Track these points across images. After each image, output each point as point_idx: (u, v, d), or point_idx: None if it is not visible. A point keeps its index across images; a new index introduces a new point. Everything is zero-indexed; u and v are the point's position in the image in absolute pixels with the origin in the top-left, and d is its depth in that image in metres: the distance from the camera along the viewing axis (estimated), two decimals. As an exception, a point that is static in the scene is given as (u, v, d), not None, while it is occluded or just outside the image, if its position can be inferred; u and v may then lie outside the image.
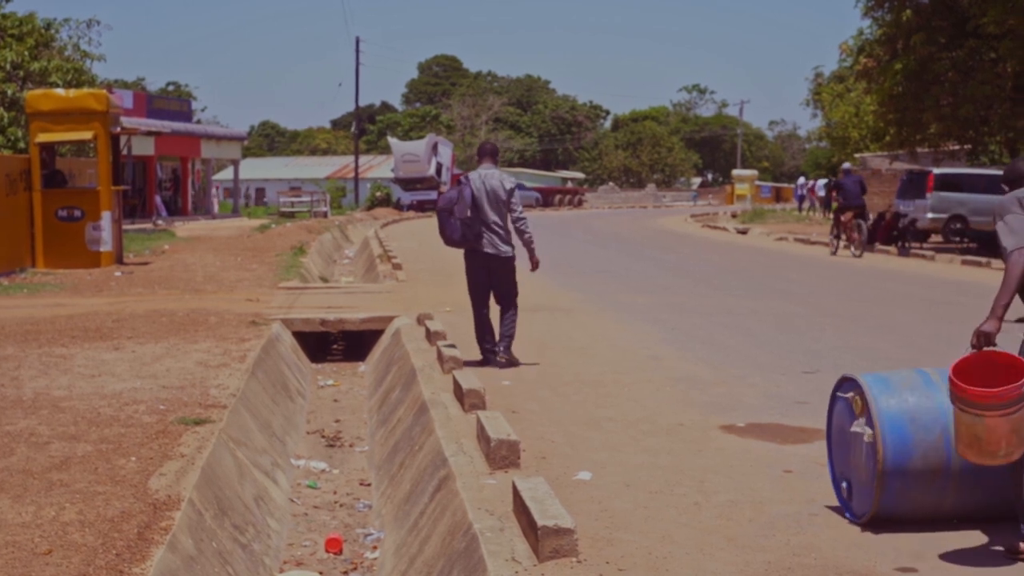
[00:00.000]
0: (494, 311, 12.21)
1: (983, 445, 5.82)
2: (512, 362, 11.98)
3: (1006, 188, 6.59)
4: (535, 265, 12.25)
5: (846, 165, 31.47)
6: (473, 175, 11.97)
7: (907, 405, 6.42)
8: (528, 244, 11.97)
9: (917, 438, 6.34)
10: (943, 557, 5.86)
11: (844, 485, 6.70)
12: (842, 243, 29.87)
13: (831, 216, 32.94)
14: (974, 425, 5.81)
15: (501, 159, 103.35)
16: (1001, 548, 5.98)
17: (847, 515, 6.61)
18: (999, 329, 6.12)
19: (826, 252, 30.57)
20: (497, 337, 12.10)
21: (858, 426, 6.50)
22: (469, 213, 11.69)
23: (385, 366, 13.64)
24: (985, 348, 6.09)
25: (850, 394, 6.65)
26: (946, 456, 6.30)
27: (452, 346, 12.05)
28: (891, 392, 6.48)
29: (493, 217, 11.81)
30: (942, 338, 13.80)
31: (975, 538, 6.18)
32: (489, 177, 11.92)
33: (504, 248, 11.89)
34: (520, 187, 78.09)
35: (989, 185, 31.26)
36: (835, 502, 6.78)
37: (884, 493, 6.32)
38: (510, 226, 11.91)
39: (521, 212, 11.92)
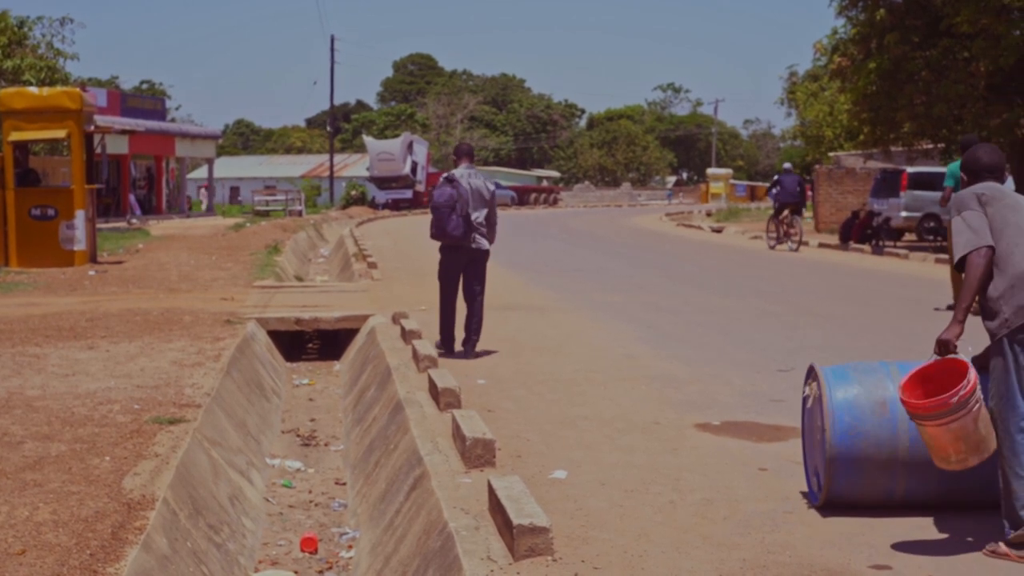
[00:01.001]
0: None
1: (935, 452, 6.00)
2: (474, 353, 12.52)
3: (964, 177, 6.59)
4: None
5: (787, 164, 33.67)
6: (458, 174, 12.33)
7: (860, 395, 6.61)
8: (493, 235, 12.58)
9: (867, 427, 6.53)
10: (916, 551, 5.88)
11: (814, 475, 6.90)
12: (781, 238, 31.21)
13: (806, 215, 33.65)
14: (923, 433, 6.02)
15: (476, 158, 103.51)
16: (971, 539, 6.10)
17: (813, 500, 6.85)
18: (960, 335, 6.11)
19: (803, 251, 30.67)
20: (464, 335, 12.56)
21: (816, 415, 6.81)
22: (468, 211, 12.17)
23: (360, 365, 13.63)
24: (947, 356, 6.11)
25: (811, 384, 6.93)
26: (896, 445, 6.51)
27: (427, 344, 12.05)
28: (847, 383, 6.69)
29: (476, 214, 12.30)
30: (916, 336, 13.85)
31: (950, 527, 6.21)
32: (472, 176, 12.44)
33: (484, 242, 12.44)
34: (496, 186, 78.44)
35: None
36: (812, 500, 6.81)
37: (833, 478, 6.55)
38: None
39: (495, 212, 12.68)
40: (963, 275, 6.17)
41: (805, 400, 7.07)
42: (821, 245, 32.67)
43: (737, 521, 6.44)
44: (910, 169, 31.59)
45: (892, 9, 29.15)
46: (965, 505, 6.58)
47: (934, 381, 6.11)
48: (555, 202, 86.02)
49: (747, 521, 6.43)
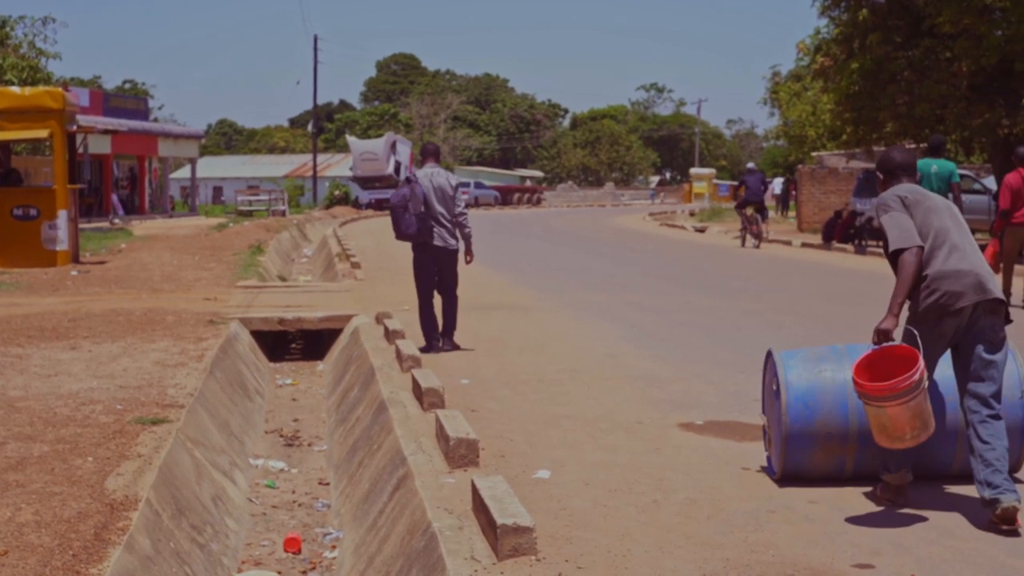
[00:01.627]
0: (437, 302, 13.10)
1: (890, 432, 6.44)
2: (455, 347, 12.95)
3: (880, 176, 7.18)
4: (471, 258, 13.10)
5: (750, 164, 35.61)
6: (420, 173, 12.75)
7: (813, 377, 7.22)
8: (467, 238, 12.84)
9: (819, 406, 7.14)
10: (897, 547, 5.91)
11: (773, 451, 7.48)
12: (748, 235, 32.42)
13: (789, 215, 34.35)
14: (879, 415, 6.44)
15: (460, 158, 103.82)
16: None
17: (771, 474, 7.46)
18: (896, 326, 6.70)
19: (785, 250, 30.75)
20: (441, 329, 13.02)
21: (773, 396, 7.41)
22: (423, 209, 12.48)
23: (344, 365, 13.62)
24: (885, 344, 6.66)
25: (770, 366, 7.54)
26: (846, 423, 7.10)
27: (411, 344, 12.06)
28: (801, 366, 7.30)
29: (441, 211, 12.65)
30: (896, 334, 13.88)
31: (934, 523, 6.24)
32: (436, 175, 12.73)
33: (451, 241, 12.80)
34: (479, 186, 78.65)
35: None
36: (793, 502, 6.83)
37: (789, 453, 7.19)
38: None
39: (464, 208, 12.87)
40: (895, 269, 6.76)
41: (764, 383, 7.70)
42: (804, 245, 32.72)
43: (720, 520, 6.44)
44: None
45: (875, 9, 29.23)
46: (921, 473, 7.06)
47: (877, 367, 6.60)
48: (538, 202, 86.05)
49: (730, 520, 6.44)
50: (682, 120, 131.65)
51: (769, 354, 7.56)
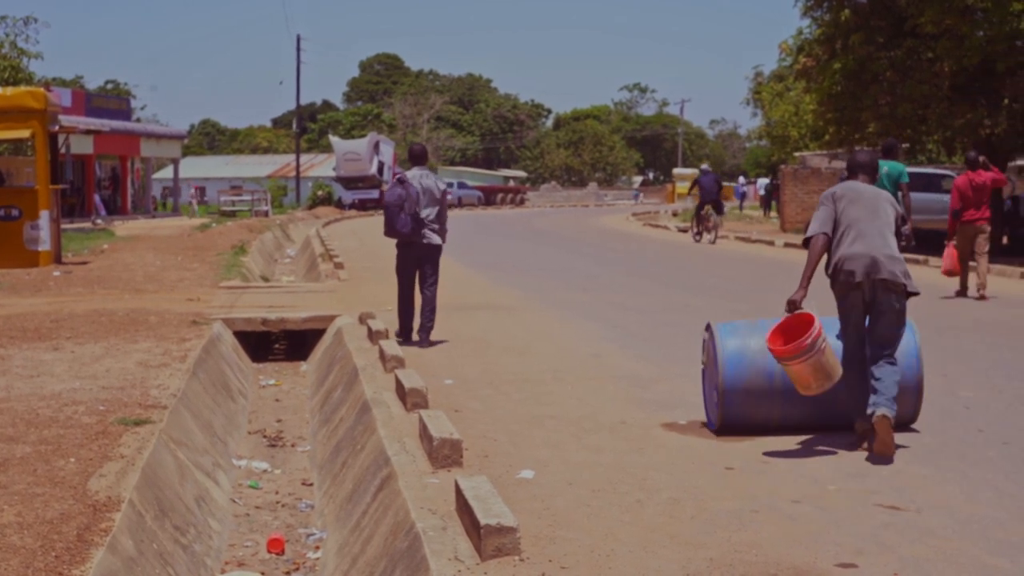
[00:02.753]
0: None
1: (800, 383, 7.96)
2: (428, 342, 13.37)
3: (846, 173, 8.77)
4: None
5: (704, 166, 38.65)
6: (411, 175, 13.17)
7: (744, 344, 8.63)
8: (443, 234, 13.50)
9: (749, 367, 8.55)
10: (880, 547, 5.92)
11: (712, 408, 8.86)
12: (703, 231, 34.95)
13: (772, 215, 35.17)
14: (788, 371, 7.96)
15: (443, 158, 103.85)
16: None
17: (710, 427, 8.85)
18: (804, 297, 8.26)
19: (768, 250, 30.84)
20: (418, 326, 13.48)
21: (712, 361, 8.80)
22: (416, 209, 13.01)
23: (327, 365, 13.61)
24: (794, 312, 8.19)
25: (706, 336, 8.98)
26: (771, 382, 8.49)
27: (394, 345, 12.05)
28: (735, 335, 8.74)
29: (428, 212, 13.19)
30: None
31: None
32: (424, 177, 13.24)
33: (436, 238, 13.34)
34: (462, 186, 78.65)
35: (927, 184, 31.55)
36: (777, 502, 6.84)
37: (725, 407, 8.60)
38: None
39: (446, 210, 13.53)
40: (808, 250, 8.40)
41: (703, 346, 9.09)
42: (787, 245, 32.77)
43: (704, 520, 6.45)
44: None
45: (857, 10, 29.31)
46: (826, 427, 8.62)
47: (790, 332, 8.08)
48: (521, 202, 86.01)
49: (714, 520, 6.45)
50: (665, 120, 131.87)
51: (708, 326, 8.94)
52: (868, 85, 29.29)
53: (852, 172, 8.63)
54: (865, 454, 7.98)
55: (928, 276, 22.47)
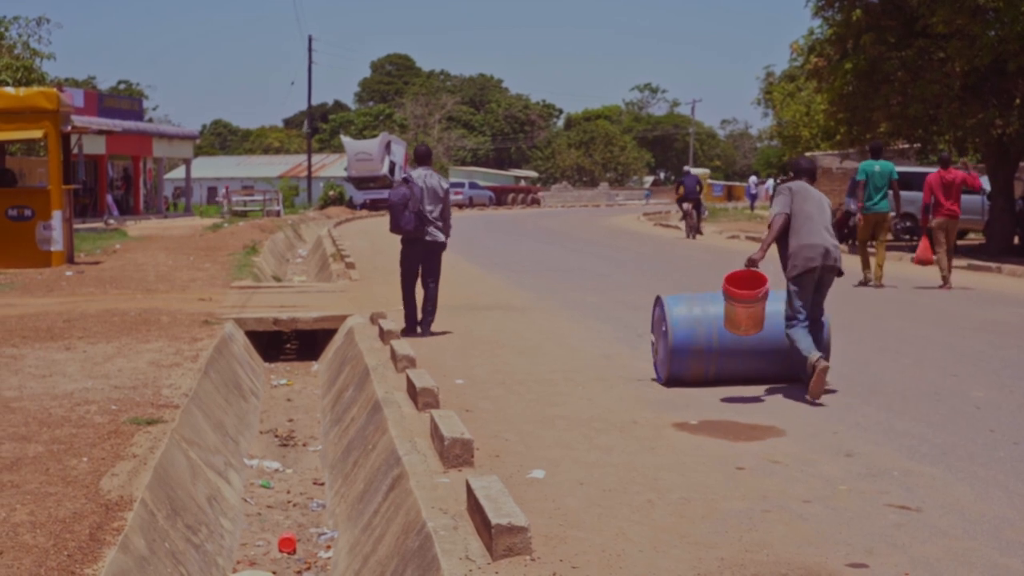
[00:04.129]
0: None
1: (733, 322, 9.88)
2: (429, 333, 14.08)
3: (791, 173, 10.84)
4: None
5: (686, 168, 45.70)
6: (415, 174, 13.90)
7: (690, 312, 10.60)
8: (447, 232, 14.20)
9: (693, 331, 10.48)
10: (891, 547, 5.92)
11: (661, 366, 10.84)
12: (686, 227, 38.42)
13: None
14: (730, 310, 9.85)
15: (454, 158, 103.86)
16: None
17: (659, 380, 10.82)
18: (762, 258, 10.13)
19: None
20: (420, 316, 14.15)
21: (661, 326, 10.78)
22: (420, 207, 13.70)
23: (338, 365, 13.63)
24: (750, 268, 10.06)
25: (659, 307, 10.90)
26: (710, 343, 10.48)
27: (406, 345, 12.07)
28: (681, 304, 10.69)
29: (431, 210, 13.84)
30: (888, 333, 13.93)
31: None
32: (428, 177, 13.91)
33: (439, 236, 13.99)
34: (473, 186, 78.63)
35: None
36: (788, 502, 6.85)
37: (672, 365, 10.59)
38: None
39: (449, 209, 14.23)
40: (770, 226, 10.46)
41: (653, 314, 11.08)
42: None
43: (715, 520, 6.45)
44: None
45: (868, 10, 29.22)
46: (753, 380, 10.66)
47: (739, 282, 9.94)
48: (534, 202, 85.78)
49: (725, 520, 6.45)
50: (676, 120, 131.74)
51: (658, 299, 10.98)
52: (879, 85, 29.21)
53: (798, 175, 10.66)
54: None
55: (936, 275, 22.44)
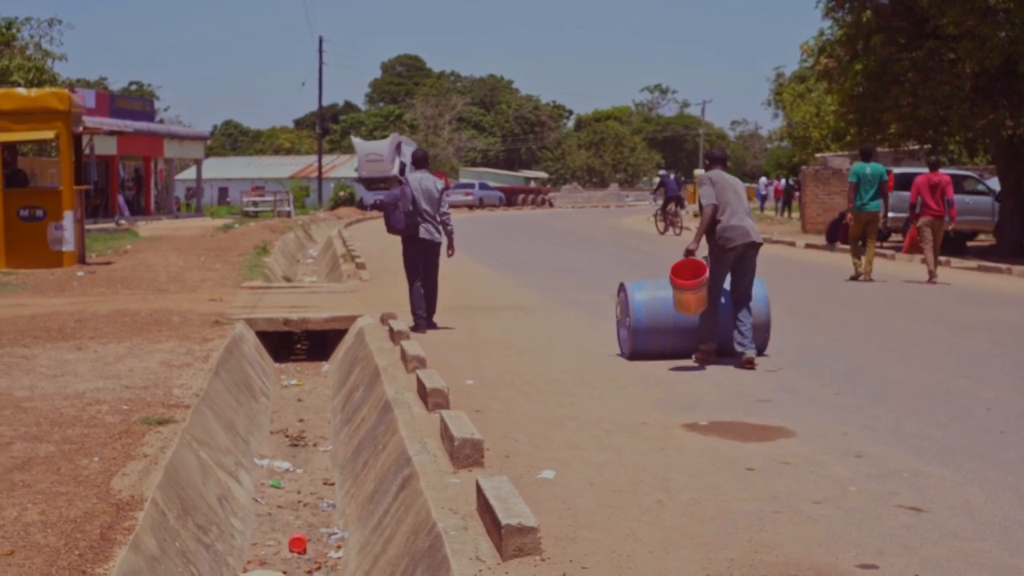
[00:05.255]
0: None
1: (683, 306, 11.39)
2: (433, 326, 14.73)
3: (707, 162, 12.33)
4: (452, 251, 15.04)
5: (662, 170, 50.02)
6: (411, 177, 14.63)
7: (650, 296, 12.13)
8: (450, 235, 14.80)
9: (653, 312, 12.07)
10: (901, 548, 5.92)
11: (624, 343, 12.40)
12: (669, 225, 40.48)
13: (793, 215, 36.26)
14: (680, 297, 11.32)
15: (465, 159, 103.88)
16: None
17: (623, 354, 12.40)
18: (697, 248, 11.70)
19: (789, 251, 30.82)
20: (424, 313, 14.70)
21: (625, 308, 12.32)
22: (411, 207, 14.36)
23: (349, 365, 13.65)
24: (688, 257, 11.55)
25: (623, 292, 12.42)
26: (668, 322, 12.03)
27: (416, 345, 12.08)
28: (642, 290, 12.25)
29: (427, 210, 14.48)
30: (897, 335, 13.91)
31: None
32: (424, 179, 14.61)
33: (436, 235, 14.61)
34: (483, 187, 78.63)
35: (949, 184, 31.43)
36: (798, 503, 6.85)
37: (636, 341, 12.14)
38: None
39: (447, 208, 14.81)
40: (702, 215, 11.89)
41: (618, 297, 12.63)
42: (808, 246, 32.74)
43: (725, 521, 6.46)
44: (896, 170, 31.64)
45: (878, 11, 29.20)
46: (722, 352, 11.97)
47: (683, 271, 11.42)
48: (543, 203, 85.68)
49: (735, 521, 6.45)
50: (686, 121, 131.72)
51: (622, 284, 12.54)
52: (890, 86, 29.19)
53: (714, 163, 12.20)
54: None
55: (946, 276, 22.42)
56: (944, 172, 22.51)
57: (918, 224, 21.28)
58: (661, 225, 41.01)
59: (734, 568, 5.68)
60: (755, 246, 11.86)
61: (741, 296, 11.83)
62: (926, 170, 22.35)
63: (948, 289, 20.13)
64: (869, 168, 21.06)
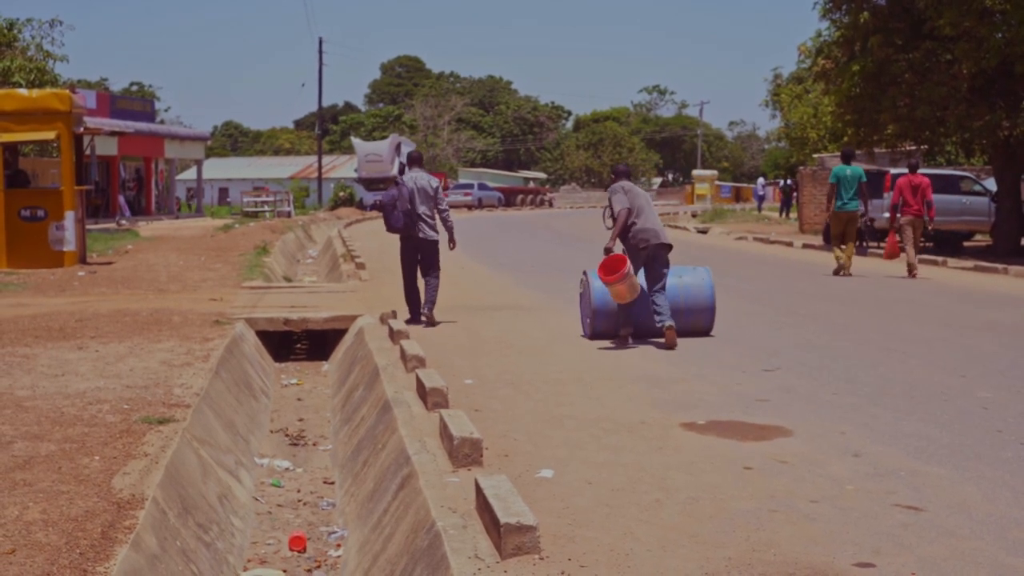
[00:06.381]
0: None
1: (617, 296, 12.86)
2: (432, 322, 15.02)
3: (614, 176, 13.93)
4: (454, 245, 15.56)
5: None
6: (406, 177, 15.11)
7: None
8: (450, 230, 15.34)
9: (608, 298, 13.32)
10: (898, 546, 5.95)
11: (585, 323, 13.99)
12: None
13: (788, 216, 36.04)
14: (612, 289, 12.82)
15: (464, 159, 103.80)
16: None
17: (585, 334, 14.02)
18: (613, 247, 13.12)
19: (786, 251, 30.83)
20: (423, 302, 15.13)
21: (586, 294, 13.91)
22: (408, 206, 14.83)
23: (348, 365, 13.67)
24: (608, 255, 12.95)
25: (582, 278, 14.03)
26: (618, 305, 13.21)
27: (415, 345, 12.10)
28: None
29: (423, 209, 14.96)
30: (895, 335, 13.94)
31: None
32: (419, 178, 15.10)
33: (432, 233, 15.07)
34: (482, 187, 78.62)
35: (945, 186, 31.50)
36: (795, 502, 6.88)
37: (595, 322, 13.71)
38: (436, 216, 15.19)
39: (446, 205, 15.29)
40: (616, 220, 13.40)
41: (581, 284, 14.26)
42: (805, 246, 32.75)
43: (722, 519, 6.48)
44: (893, 171, 31.65)
45: (875, 12, 29.20)
46: (653, 333, 13.48)
47: (608, 267, 12.85)
48: (542, 203, 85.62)
49: (732, 520, 6.48)
50: (684, 122, 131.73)
51: (584, 272, 14.09)
52: (887, 87, 29.20)
53: (619, 176, 13.79)
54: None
55: (943, 276, 22.47)
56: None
57: (899, 222, 22.86)
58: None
59: (732, 567, 5.71)
60: (665, 246, 13.37)
61: (655, 285, 13.33)
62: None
63: (946, 289, 20.15)
64: (849, 170, 22.44)
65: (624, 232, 13.35)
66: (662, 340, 13.18)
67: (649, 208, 13.53)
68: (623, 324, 13.27)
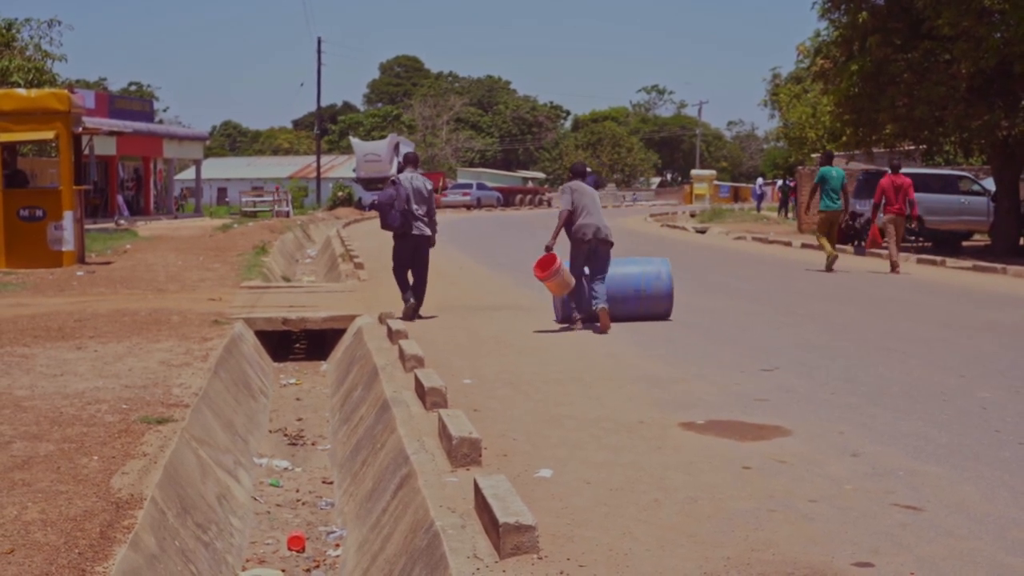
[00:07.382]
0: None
1: (554, 290, 14.43)
2: (419, 316, 15.71)
3: (571, 175, 15.06)
4: (433, 243, 16.02)
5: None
6: (403, 177, 15.59)
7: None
8: (434, 231, 15.87)
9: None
10: (896, 546, 5.95)
11: (557, 311, 15.34)
12: None
13: (787, 215, 36.15)
14: (548, 285, 14.26)
15: (462, 159, 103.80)
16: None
17: (557, 320, 15.25)
18: (554, 245, 14.32)
19: (785, 251, 30.85)
20: (413, 298, 15.72)
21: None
22: (405, 206, 15.35)
23: (347, 365, 13.67)
24: (547, 252, 14.15)
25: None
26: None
27: (414, 344, 12.10)
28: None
29: (418, 208, 15.47)
30: (894, 335, 13.94)
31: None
32: (415, 179, 15.64)
33: (426, 230, 15.63)
34: (481, 187, 78.64)
35: (944, 185, 31.54)
36: (794, 502, 6.88)
37: (563, 311, 14.91)
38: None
39: (434, 207, 15.93)
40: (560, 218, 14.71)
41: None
42: (804, 246, 32.73)
43: (721, 519, 6.48)
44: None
45: (874, 12, 29.21)
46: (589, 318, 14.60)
47: (544, 264, 14.09)
48: (541, 203, 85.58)
49: (731, 519, 6.48)
50: (683, 122, 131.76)
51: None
52: (885, 87, 29.20)
53: (575, 176, 14.89)
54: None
55: (941, 276, 22.48)
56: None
57: (883, 220, 24.03)
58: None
59: (731, 566, 5.71)
60: (606, 242, 14.53)
61: (596, 275, 14.55)
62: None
63: (945, 289, 20.16)
64: (835, 172, 23.66)
65: (569, 226, 14.52)
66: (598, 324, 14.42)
67: (593, 206, 14.63)
68: (575, 310, 14.71)
